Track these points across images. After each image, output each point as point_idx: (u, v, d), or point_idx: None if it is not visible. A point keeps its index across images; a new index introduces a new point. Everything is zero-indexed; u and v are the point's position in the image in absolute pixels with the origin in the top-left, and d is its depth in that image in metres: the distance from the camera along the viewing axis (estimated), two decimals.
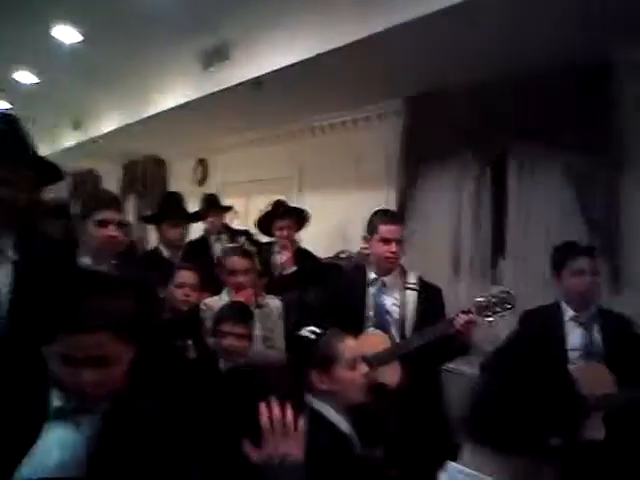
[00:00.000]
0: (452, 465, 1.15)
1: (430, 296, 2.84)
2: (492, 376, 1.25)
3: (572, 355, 2.56)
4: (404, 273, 2.89)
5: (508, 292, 2.54)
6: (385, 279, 2.85)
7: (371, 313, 2.82)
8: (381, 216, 2.88)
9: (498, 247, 3.85)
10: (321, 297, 3.14)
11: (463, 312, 2.53)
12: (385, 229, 2.78)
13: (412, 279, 2.87)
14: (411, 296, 2.81)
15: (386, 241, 2.77)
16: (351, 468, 1.70)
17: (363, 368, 1.92)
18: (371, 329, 2.78)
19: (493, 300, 2.52)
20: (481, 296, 2.56)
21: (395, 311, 2.80)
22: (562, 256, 2.66)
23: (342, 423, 1.83)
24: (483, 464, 1.13)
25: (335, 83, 4.11)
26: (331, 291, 3.03)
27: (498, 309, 2.51)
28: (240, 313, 2.66)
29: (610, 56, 3.20)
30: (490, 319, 2.52)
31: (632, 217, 3.20)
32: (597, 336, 2.57)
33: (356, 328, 2.71)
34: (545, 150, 3.48)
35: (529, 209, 3.58)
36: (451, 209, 4.02)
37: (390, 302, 2.82)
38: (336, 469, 1.63)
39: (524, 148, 3.61)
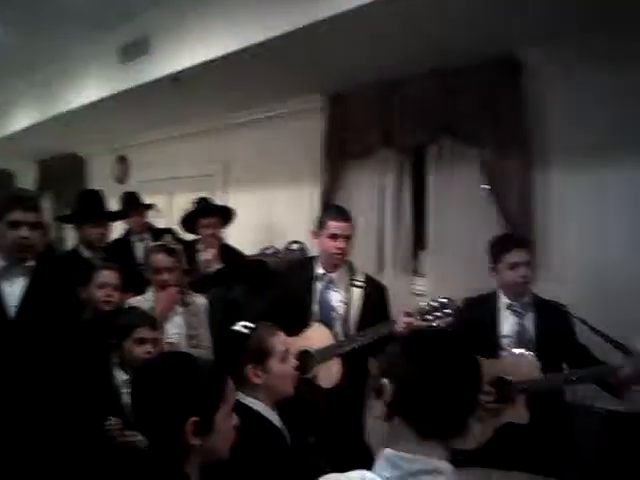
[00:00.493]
0: (389, 450, 1.14)
1: (375, 294, 2.92)
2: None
3: (504, 341, 2.68)
4: (351, 270, 2.95)
5: (449, 299, 2.64)
6: (332, 275, 2.90)
7: (317, 308, 2.86)
8: (331, 212, 2.98)
9: (419, 239, 3.96)
10: (268, 291, 3.14)
11: (405, 314, 2.61)
12: (334, 225, 2.85)
13: (359, 276, 2.93)
14: (357, 293, 2.88)
15: (334, 237, 2.83)
16: (284, 461, 1.73)
17: (293, 361, 1.97)
18: (316, 324, 2.83)
19: (434, 305, 2.62)
20: (424, 302, 2.66)
21: (341, 307, 2.86)
22: (498, 249, 2.76)
23: (274, 417, 1.85)
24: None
25: (258, 78, 4.10)
26: (278, 284, 3.05)
27: (438, 314, 2.60)
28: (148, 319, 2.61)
29: (520, 54, 3.34)
30: (431, 323, 2.61)
31: (544, 209, 3.36)
32: (530, 324, 2.68)
33: (302, 322, 2.76)
34: (462, 145, 3.59)
35: (448, 202, 3.69)
36: (374, 204, 4.09)
37: (336, 298, 2.88)
38: (269, 463, 1.64)
39: (442, 143, 3.72)
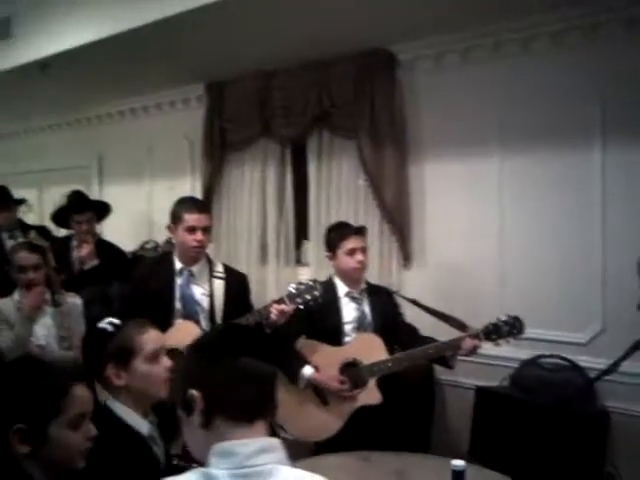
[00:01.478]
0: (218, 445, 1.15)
1: (236, 283, 2.89)
2: None
3: (347, 328, 2.80)
4: (210, 262, 2.90)
5: (315, 280, 2.73)
6: (193, 269, 2.83)
7: (179, 304, 2.79)
8: (186, 204, 2.87)
9: (301, 229, 4.00)
10: (126, 289, 3.04)
11: (275, 302, 2.65)
12: (191, 218, 2.77)
13: (219, 267, 2.89)
14: (219, 285, 2.83)
15: (192, 230, 2.76)
16: (142, 472, 1.60)
17: (166, 361, 1.79)
18: (180, 320, 2.76)
19: (302, 288, 2.67)
20: (291, 286, 2.70)
21: (205, 301, 2.81)
22: (335, 236, 2.87)
23: (142, 425, 1.69)
24: None
25: (134, 66, 3.93)
26: (137, 282, 2.94)
27: (307, 296, 2.66)
28: None
29: (395, 48, 3.45)
30: (300, 306, 2.68)
31: (418, 201, 3.51)
32: (367, 309, 2.84)
33: (165, 320, 2.68)
34: (340, 136, 3.66)
35: (328, 193, 3.76)
36: (256, 194, 4.08)
37: (199, 292, 2.82)
38: (123, 474, 1.53)
39: (321, 134, 3.77)
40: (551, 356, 3.02)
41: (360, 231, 2.90)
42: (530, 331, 2.76)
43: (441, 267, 3.42)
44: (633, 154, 2.86)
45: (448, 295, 3.22)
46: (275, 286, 3.97)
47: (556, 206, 3.07)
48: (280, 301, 2.65)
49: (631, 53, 2.84)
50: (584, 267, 2.98)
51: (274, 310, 2.62)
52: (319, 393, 2.74)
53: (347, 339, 2.81)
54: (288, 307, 2.63)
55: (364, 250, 2.85)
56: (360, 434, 2.60)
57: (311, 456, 2.52)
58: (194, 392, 1.11)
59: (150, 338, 1.79)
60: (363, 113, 3.47)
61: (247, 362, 1.13)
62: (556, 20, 2.96)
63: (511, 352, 2.99)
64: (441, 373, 3.33)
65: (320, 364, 2.73)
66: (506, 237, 3.22)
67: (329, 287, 2.87)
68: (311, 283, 2.69)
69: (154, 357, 1.76)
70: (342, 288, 2.88)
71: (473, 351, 2.55)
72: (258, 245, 4.10)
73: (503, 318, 2.60)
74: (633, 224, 2.85)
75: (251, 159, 4.10)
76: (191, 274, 2.83)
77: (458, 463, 1.38)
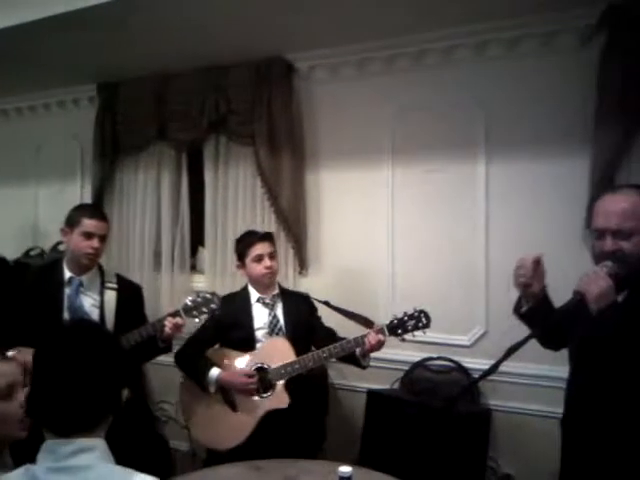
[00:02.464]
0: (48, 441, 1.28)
1: (129, 295, 2.82)
2: None
3: (259, 333, 2.79)
4: (102, 272, 2.79)
5: (214, 294, 2.70)
6: (83, 278, 2.71)
7: (67, 315, 2.66)
8: (86, 210, 2.79)
9: (197, 236, 3.94)
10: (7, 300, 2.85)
11: (170, 315, 2.62)
12: (90, 223, 2.67)
13: (111, 278, 2.80)
14: (111, 296, 2.74)
15: (89, 236, 2.66)
16: None
17: (21, 397, 1.57)
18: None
19: (199, 301, 2.65)
20: (188, 299, 2.67)
21: (94, 312, 2.70)
22: (242, 245, 2.88)
23: None
24: None
25: (18, 64, 3.71)
26: (21, 293, 2.76)
27: (204, 309, 2.65)
28: None
29: (293, 57, 3.48)
30: (196, 319, 2.67)
31: (314, 207, 3.56)
32: (280, 313, 2.85)
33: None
34: (237, 143, 3.64)
35: (225, 198, 3.72)
36: (150, 199, 3.98)
37: (89, 303, 2.71)
38: None
39: (218, 140, 3.74)
40: (438, 358, 3.16)
41: (266, 237, 2.90)
42: (419, 334, 2.85)
43: (336, 273, 3.48)
44: (512, 165, 3.05)
45: (342, 300, 3.28)
46: (169, 293, 3.89)
47: (444, 213, 3.22)
48: (175, 314, 2.61)
49: (512, 72, 3.04)
50: (469, 272, 3.13)
51: (168, 324, 2.58)
52: (228, 400, 2.71)
53: (258, 345, 2.78)
54: (183, 321, 2.60)
55: (272, 255, 2.86)
56: (260, 442, 2.59)
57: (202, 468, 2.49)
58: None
59: (1, 372, 1.58)
60: (260, 120, 3.48)
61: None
62: (445, 37, 3.10)
63: (401, 355, 3.09)
64: (335, 377, 3.39)
65: (230, 370, 2.73)
66: (397, 243, 3.34)
67: (244, 295, 2.89)
68: (208, 296, 2.67)
69: (6, 394, 1.58)
70: (254, 295, 2.87)
71: (378, 346, 2.55)
72: (151, 251, 3.99)
73: (409, 312, 2.61)
74: (514, 232, 3.04)
75: (145, 163, 3.99)
76: (81, 284, 2.70)
77: (344, 469, 1.38)
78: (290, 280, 3.52)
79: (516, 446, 2.99)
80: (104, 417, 1.32)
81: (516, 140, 3.04)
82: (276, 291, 2.91)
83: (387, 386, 3.20)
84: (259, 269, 2.81)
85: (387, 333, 2.57)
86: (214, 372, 2.69)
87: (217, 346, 2.87)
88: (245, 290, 2.92)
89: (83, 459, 1.22)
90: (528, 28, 2.93)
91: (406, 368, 3.20)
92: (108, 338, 1.44)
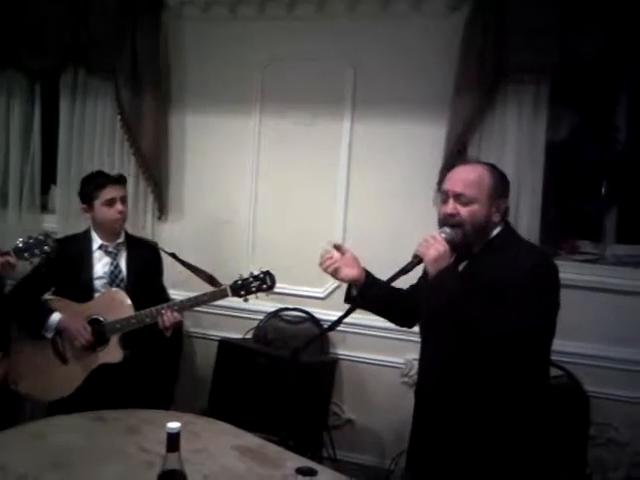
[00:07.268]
0: None
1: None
2: None
3: (98, 283, 2.67)
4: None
5: (47, 235, 2.50)
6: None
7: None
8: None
9: (49, 173, 3.68)
10: None
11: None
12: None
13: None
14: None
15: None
16: None
17: None
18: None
19: (31, 242, 2.44)
20: (19, 239, 2.45)
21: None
22: (91, 186, 2.70)
23: None
24: None
25: None
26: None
27: (36, 251, 2.44)
28: None
29: None
30: (28, 262, 2.51)
31: (177, 152, 3.44)
32: (123, 263, 2.73)
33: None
34: (99, 75, 3.40)
35: (82, 135, 3.48)
36: None
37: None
38: None
39: (78, 70, 3.46)
40: (293, 309, 3.22)
41: (119, 180, 2.74)
42: (277, 286, 2.87)
43: (198, 220, 3.42)
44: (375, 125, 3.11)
45: (203, 248, 3.25)
46: (16, 234, 3.59)
47: (305, 168, 3.23)
48: (5, 254, 2.39)
49: (383, 31, 3.06)
50: (328, 229, 3.17)
51: None
52: (58, 352, 2.59)
53: (96, 295, 2.66)
54: (14, 259, 2.39)
55: (124, 200, 2.71)
56: (102, 393, 2.50)
57: (44, 417, 2.37)
58: None
59: None
60: (123, 53, 3.27)
61: None
62: None
63: (257, 305, 3.11)
64: (189, 326, 3.36)
65: None
66: (259, 194, 3.32)
67: (84, 240, 2.72)
68: (41, 237, 2.46)
69: None
70: (97, 241, 2.71)
71: (173, 326, 2.54)
72: None
73: (255, 273, 2.58)
74: (373, 190, 3.12)
75: None
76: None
77: (172, 425, 1.36)
78: (149, 226, 3.41)
79: (360, 394, 3.15)
80: None
81: (381, 99, 3.09)
82: (121, 239, 2.76)
83: (241, 335, 3.22)
84: (110, 214, 2.66)
85: (230, 293, 2.56)
86: (55, 316, 2.56)
87: (51, 295, 2.72)
88: (87, 235, 2.74)
89: None
90: None
91: (261, 317, 3.23)
92: None
